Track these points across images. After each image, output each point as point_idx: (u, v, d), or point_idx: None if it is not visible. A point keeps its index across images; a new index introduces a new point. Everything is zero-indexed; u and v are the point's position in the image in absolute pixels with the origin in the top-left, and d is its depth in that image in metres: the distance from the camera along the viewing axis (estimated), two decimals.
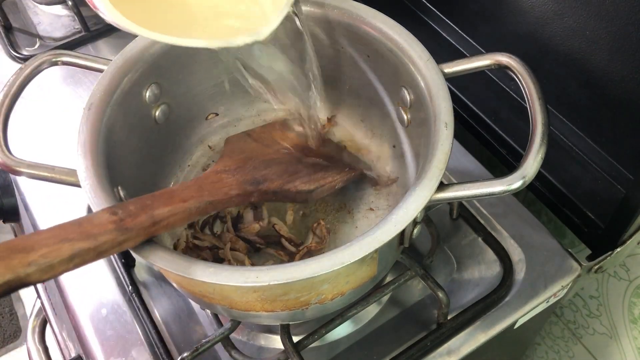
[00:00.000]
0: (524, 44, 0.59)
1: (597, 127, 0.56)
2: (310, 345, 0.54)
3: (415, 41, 0.50)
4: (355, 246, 0.40)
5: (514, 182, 0.41)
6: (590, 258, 0.60)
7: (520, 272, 0.59)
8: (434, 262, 0.60)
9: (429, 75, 0.48)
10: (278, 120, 0.62)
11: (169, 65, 0.54)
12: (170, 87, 0.55)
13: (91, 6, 0.41)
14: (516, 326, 0.59)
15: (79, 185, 0.44)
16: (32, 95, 0.77)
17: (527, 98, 0.45)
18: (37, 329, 0.76)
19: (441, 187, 0.42)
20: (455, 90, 0.69)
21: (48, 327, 0.75)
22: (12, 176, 0.72)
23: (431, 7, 0.70)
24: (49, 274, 0.35)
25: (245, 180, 0.52)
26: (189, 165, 0.61)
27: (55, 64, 0.52)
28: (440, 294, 0.54)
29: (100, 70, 0.51)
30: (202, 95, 0.59)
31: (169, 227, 0.43)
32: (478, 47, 0.66)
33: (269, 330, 0.58)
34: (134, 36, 0.53)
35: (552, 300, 0.60)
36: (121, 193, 0.46)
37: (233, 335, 0.56)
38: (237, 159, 0.55)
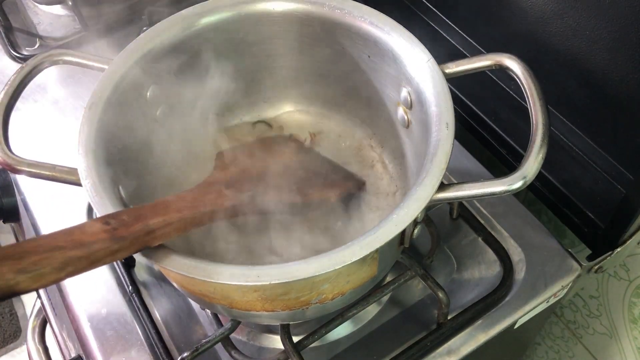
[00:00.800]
0: (524, 43, 0.59)
1: (597, 127, 0.56)
2: (311, 345, 0.54)
3: (416, 41, 0.50)
4: (356, 246, 0.40)
5: (515, 182, 0.41)
6: (590, 258, 0.60)
7: (520, 272, 0.59)
8: (434, 262, 0.60)
9: (430, 75, 0.48)
10: (271, 136, 0.62)
11: (170, 65, 0.54)
12: (171, 87, 0.55)
13: None
14: (516, 326, 0.59)
15: (79, 184, 0.44)
16: (32, 95, 0.77)
17: (528, 99, 0.45)
18: (37, 329, 0.76)
19: (442, 187, 0.42)
20: (455, 90, 0.69)
21: (48, 327, 0.75)
22: (12, 176, 0.72)
23: (431, 7, 0.70)
24: (40, 282, 0.34)
25: (240, 192, 0.52)
26: (189, 166, 0.61)
27: (56, 63, 0.52)
28: (440, 294, 0.54)
29: (101, 70, 0.51)
30: (203, 95, 0.59)
31: (165, 237, 0.42)
32: (478, 47, 0.66)
33: (269, 330, 0.58)
34: (135, 36, 0.53)
35: (552, 300, 0.60)
36: (122, 192, 0.46)
37: (233, 335, 0.56)
38: (231, 171, 0.55)
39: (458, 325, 0.56)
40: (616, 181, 0.56)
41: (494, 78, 0.66)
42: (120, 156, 0.49)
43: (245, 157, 0.58)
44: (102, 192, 0.43)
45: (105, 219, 0.40)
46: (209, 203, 0.49)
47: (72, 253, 0.36)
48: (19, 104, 0.50)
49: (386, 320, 0.59)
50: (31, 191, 0.68)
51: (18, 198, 0.72)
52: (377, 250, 0.40)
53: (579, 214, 0.60)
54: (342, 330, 0.58)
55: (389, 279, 0.56)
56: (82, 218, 0.66)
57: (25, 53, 0.82)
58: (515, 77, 0.46)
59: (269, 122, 0.64)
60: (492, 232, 0.62)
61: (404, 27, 0.51)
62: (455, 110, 0.46)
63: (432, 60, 0.49)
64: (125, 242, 0.39)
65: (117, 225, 0.39)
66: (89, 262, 0.37)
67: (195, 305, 0.60)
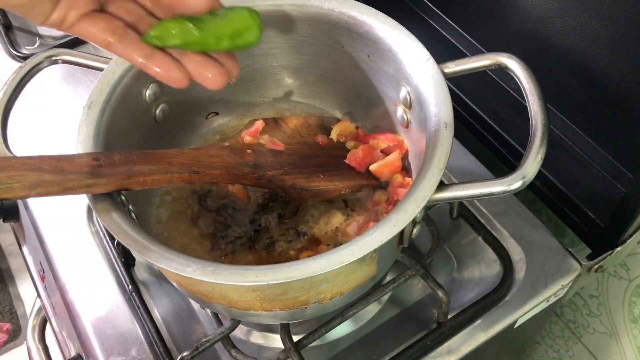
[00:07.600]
0: (525, 43, 0.59)
1: (598, 126, 0.56)
2: (311, 344, 0.54)
3: (416, 41, 0.50)
4: (354, 246, 0.40)
5: (514, 182, 0.41)
6: (590, 257, 0.60)
7: (520, 271, 0.59)
8: (434, 261, 0.60)
9: (429, 75, 0.48)
10: (310, 115, 0.62)
11: None
12: (170, 86, 0.55)
13: None
14: (516, 325, 0.59)
15: None
16: (32, 94, 0.77)
17: (527, 98, 0.45)
18: (37, 328, 0.77)
19: (441, 186, 0.42)
20: (455, 89, 0.69)
21: (48, 326, 0.75)
22: None
23: (431, 6, 0.70)
24: (8, 194, 0.38)
25: (245, 162, 0.52)
26: None
27: (55, 62, 0.52)
28: (440, 293, 0.54)
29: (100, 69, 0.51)
30: (202, 95, 0.59)
31: (145, 184, 0.44)
32: (478, 46, 0.66)
33: (269, 329, 0.58)
34: None
35: (552, 300, 0.60)
36: (121, 193, 0.46)
37: (233, 334, 0.56)
38: (246, 143, 0.55)
39: (458, 324, 0.56)
40: (616, 180, 0.55)
41: (494, 77, 0.65)
42: None
43: (276, 129, 0.58)
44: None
45: (97, 155, 0.43)
46: (206, 165, 0.49)
47: (48, 177, 0.39)
48: (18, 103, 0.50)
49: (386, 320, 0.59)
50: None
51: None
52: (375, 250, 0.40)
53: (579, 213, 0.60)
54: (342, 330, 0.58)
55: (389, 278, 0.56)
56: (82, 218, 0.66)
57: (25, 52, 0.82)
58: (514, 76, 0.46)
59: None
60: (492, 232, 0.62)
61: (404, 26, 0.51)
62: (456, 109, 0.46)
63: (432, 59, 0.49)
64: (102, 179, 0.41)
65: (104, 163, 0.42)
66: (62, 189, 0.40)
67: (195, 305, 0.60)
